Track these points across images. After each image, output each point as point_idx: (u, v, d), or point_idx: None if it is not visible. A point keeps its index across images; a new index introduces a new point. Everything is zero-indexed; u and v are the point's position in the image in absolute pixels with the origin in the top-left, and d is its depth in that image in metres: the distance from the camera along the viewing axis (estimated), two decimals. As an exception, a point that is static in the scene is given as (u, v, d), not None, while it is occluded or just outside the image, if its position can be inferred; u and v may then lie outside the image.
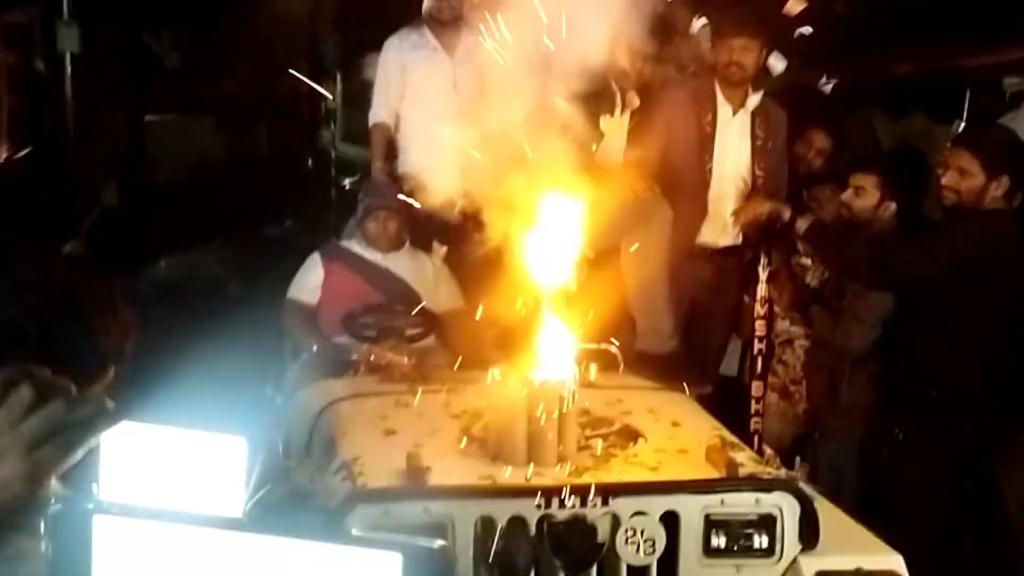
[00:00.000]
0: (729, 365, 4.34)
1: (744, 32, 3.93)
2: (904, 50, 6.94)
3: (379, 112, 4.67)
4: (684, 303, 3.98)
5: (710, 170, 3.99)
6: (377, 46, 4.77)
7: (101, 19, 8.14)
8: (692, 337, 4.01)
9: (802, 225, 3.79)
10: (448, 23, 4.55)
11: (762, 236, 3.98)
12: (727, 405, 3.71)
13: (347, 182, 7.58)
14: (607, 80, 3.95)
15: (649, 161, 4.00)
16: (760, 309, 3.63)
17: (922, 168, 4.88)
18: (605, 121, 3.96)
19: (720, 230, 4.08)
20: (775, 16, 5.04)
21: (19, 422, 1.03)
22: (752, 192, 4.01)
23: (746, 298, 3.95)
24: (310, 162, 9.36)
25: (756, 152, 4.04)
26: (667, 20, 4.18)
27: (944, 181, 3.52)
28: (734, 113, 4.04)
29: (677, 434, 2.78)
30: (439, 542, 0.84)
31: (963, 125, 6.72)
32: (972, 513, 3.57)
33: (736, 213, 3.94)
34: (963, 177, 3.43)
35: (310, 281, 4.11)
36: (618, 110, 4.00)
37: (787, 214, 3.87)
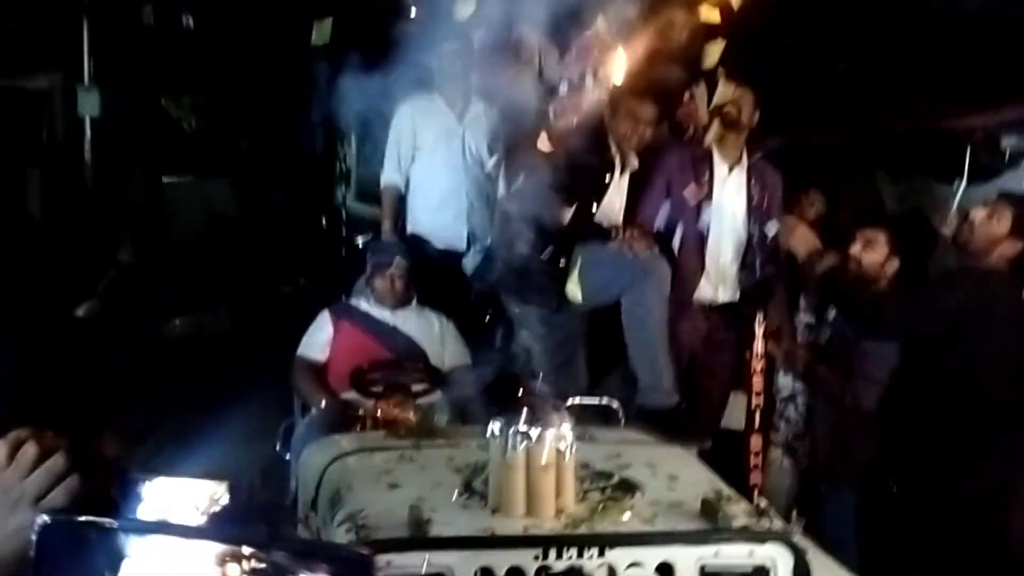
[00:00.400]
0: (737, 419, 4.39)
1: (736, 82, 4.07)
2: (903, 110, 7.08)
3: (390, 174, 4.81)
4: (684, 358, 4.05)
5: (708, 227, 4.09)
6: (390, 108, 4.92)
7: (121, 84, 8.37)
8: (692, 392, 4.08)
9: (823, 264, 3.85)
10: (458, 90, 4.70)
11: (759, 292, 4.07)
12: (730, 459, 3.76)
13: (359, 240, 7.72)
14: (608, 142, 4.08)
15: (648, 219, 4.11)
16: (757, 364, 3.70)
17: (925, 227, 4.98)
18: (606, 182, 4.08)
19: (719, 286, 4.17)
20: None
21: (26, 476, 1.15)
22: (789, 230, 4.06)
23: (747, 353, 4.02)
24: (323, 221, 9.53)
25: (752, 209, 4.15)
26: (665, 84, 4.32)
27: (977, 231, 3.57)
28: (730, 171, 4.15)
29: (675, 487, 2.83)
30: None
31: (963, 185, 6.83)
32: (975, 564, 3.60)
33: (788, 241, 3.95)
34: (991, 227, 3.52)
35: (319, 338, 4.21)
36: (618, 171, 4.12)
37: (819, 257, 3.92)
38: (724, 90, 4.06)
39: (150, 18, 8.02)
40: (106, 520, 1.02)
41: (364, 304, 4.30)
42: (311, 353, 4.19)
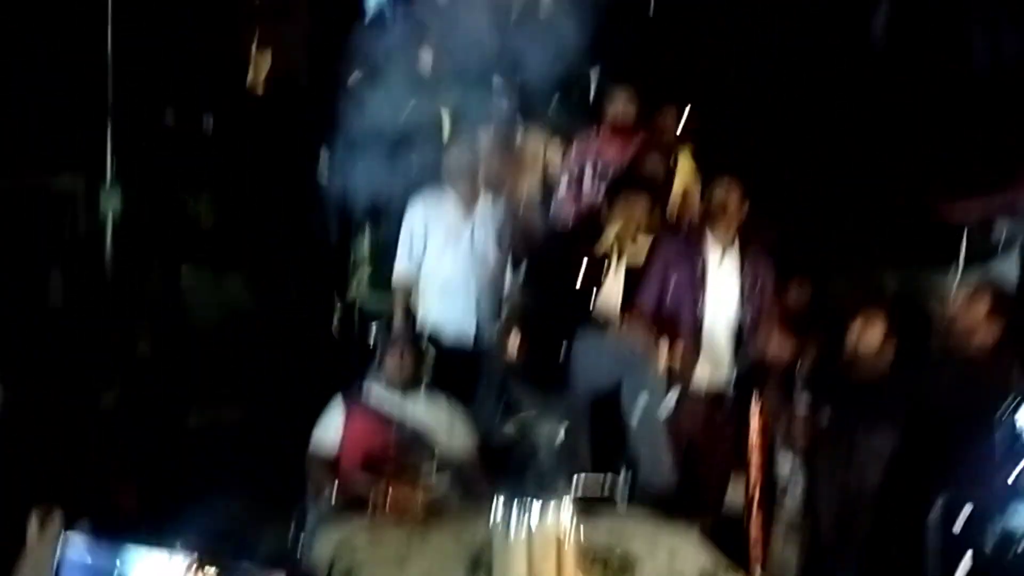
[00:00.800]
0: (740, 499, 4.46)
1: (725, 177, 4.27)
2: (900, 198, 7.27)
3: (402, 266, 5.02)
4: (684, 440, 4.17)
5: (702, 312, 4.25)
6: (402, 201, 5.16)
7: (141, 183, 8.66)
8: (693, 472, 4.18)
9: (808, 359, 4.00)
10: (468, 186, 4.95)
11: (756, 375, 4.20)
12: (735, 538, 3.85)
13: (373, 328, 7.87)
14: (603, 234, 4.28)
15: (644, 307, 4.28)
16: (756, 445, 3.81)
17: (922, 312, 5.11)
18: (603, 272, 4.26)
19: (715, 370, 4.31)
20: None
21: (53, 544, 1.31)
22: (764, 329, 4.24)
23: (745, 434, 4.13)
24: (337, 309, 9.71)
25: (744, 298, 4.31)
26: (658, 177, 4.55)
27: (959, 315, 3.71)
28: (722, 256, 4.33)
29: (674, 562, 2.94)
30: None
31: (960, 270, 6.98)
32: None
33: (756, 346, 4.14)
34: (971, 311, 3.65)
35: (331, 424, 4.34)
36: (615, 261, 4.31)
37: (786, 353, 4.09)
38: (715, 186, 4.27)
39: (171, 120, 8.34)
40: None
41: (376, 388, 4.45)
42: (324, 438, 4.33)
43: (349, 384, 5.01)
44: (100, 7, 8.80)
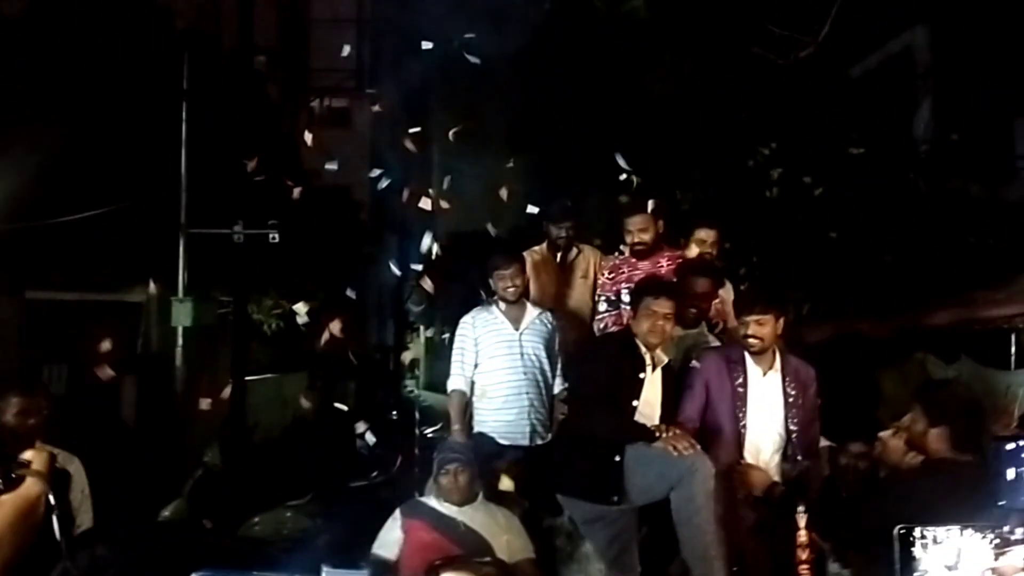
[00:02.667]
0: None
1: (758, 307, 4.40)
2: (945, 300, 7.35)
3: (456, 380, 5.22)
4: (734, 553, 4.23)
5: (744, 427, 4.36)
6: (456, 301, 5.40)
7: (211, 294, 9.06)
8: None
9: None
10: (514, 301, 5.17)
11: (799, 484, 4.28)
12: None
13: (429, 431, 8.04)
14: (635, 343, 4.46)
15: (688, 420, 4.40)
16: (803, 555, 3.86)
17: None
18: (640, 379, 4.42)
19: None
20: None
21: None
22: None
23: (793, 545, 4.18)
24: (394, 413, 9.92)
25: (788, 408, 4.41)
26: (696, 287, 4.73)
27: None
28: (764, 374, 4.44)
29: None
30: None
31: (1013, 369, 7.00)
32: None
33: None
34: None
35: (391, 537, 4.48)
36: (649, 369, 4.47)
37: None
38: (746, 318, 4.40)
39: (241, 235, 8.73)
40: None
41: (433, 501, 4.59)
42: (383, 552, 4.47)
43: (410, 492, 5.17)
44: (174, 128, 9.36)
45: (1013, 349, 7.00)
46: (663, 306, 4.40)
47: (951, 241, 8.55)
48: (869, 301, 7.96)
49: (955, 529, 2.65)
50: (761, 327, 4.32)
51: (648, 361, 4.43)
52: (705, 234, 5.30)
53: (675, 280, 4.84)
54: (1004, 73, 9.44)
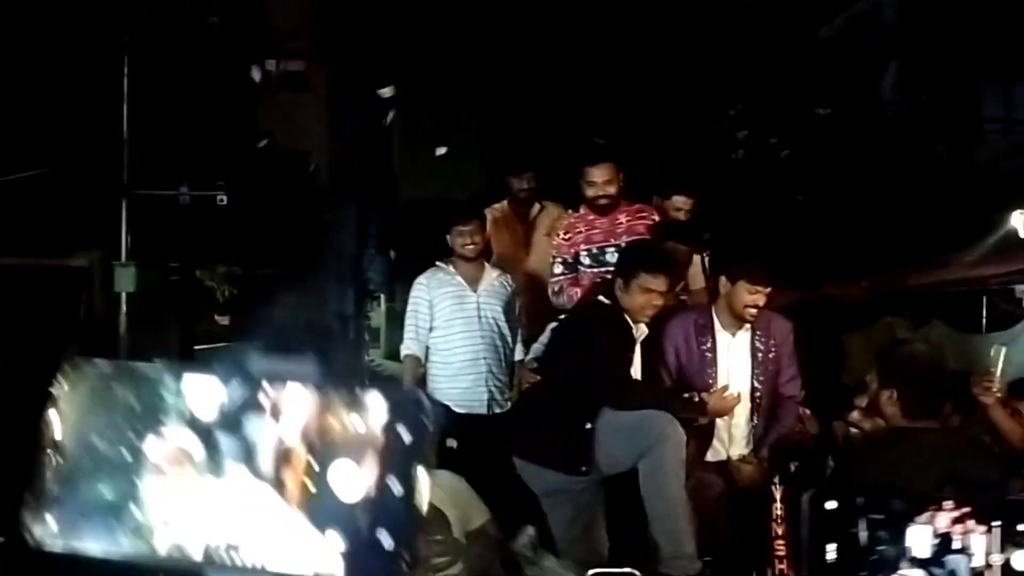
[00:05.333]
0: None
1: (767, 281, 4.18)
2: (915, 263, 7.21)
3: (410, 344, 4.94)
4: (705, 521, 4.03)
5: (735, 393, 4.16)
6: (416, 271, 5.10)
7: (156, 259, 8.69)
8: (717, 555, 4.03)
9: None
10: (472, 260, 4.89)
11: (776, 454, 4.09)
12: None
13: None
14: (624, 316, 4.19)
15: (659, 385, 4.18)
16: (777, 528, 3.67)
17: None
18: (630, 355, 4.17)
19: (730, 445, 4.21)
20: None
21: None
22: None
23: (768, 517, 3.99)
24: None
25: (755, 364, 4.22)
26: (672, 255, 4.47)
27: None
28: (733, 335, 4.24)
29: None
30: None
31: (984, 332, 6.87)
32: None
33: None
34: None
35: None
36: (637, 341, 4.22)
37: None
38: (744, 286, 4.18)
39: (187, 197, 8.39)
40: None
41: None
42: None
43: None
44: (115, 84, 8.94)
45: (984, 312, 6.86)
46: (660, 284, 4.13)
47: (920, 203, 8.43)
48: (838, 265, 7.81)
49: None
50: (760, 298, 4.12)
51: (635, 333, 4.18)
52: (682, 201, 5.05)
53: (652, 243, 4.57)
54: (971, 35, 9.29)
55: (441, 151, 5.39)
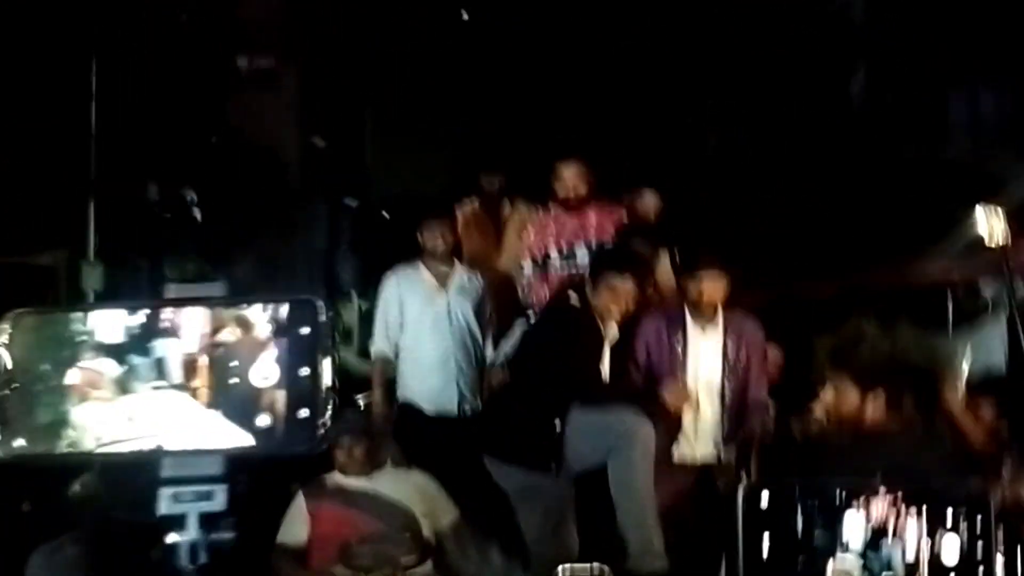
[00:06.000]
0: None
1: (711, 266, 4.21)
2: (885, 261, 7.27)
3: (380, 343, 4.93)
4: (672, 520, 4.06)
5: (689, 387, 4.18)
6: (388, 269, 5.07)
7: (124, 258, 8.61)
8: (683, 553, 4.06)
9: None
10: (442, 259, 4.88)
11: (741, 452, 4.12)
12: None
13: (360, 399, 7.76)
14: (592, 316, 4.20)
15: (628, 384, 4.20)
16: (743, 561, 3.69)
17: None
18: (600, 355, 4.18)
19: (697, 446, 4.23)
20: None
21: None
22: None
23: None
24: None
25: (726, 367, 4.25)
26: (639, 255, 4.49)
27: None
28: (703, 331, 4.27)
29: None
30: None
31: (951, 331, 6.94)
32: None
33: None
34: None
35: (295, 521, 4.12)
36: (606, 341, 4.24)
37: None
38: (700, 276, 4.20)
39: (155, 194, 8.33)
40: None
41: (338, 476, 4.21)
42: (289, 539, 4.10)
43: (309, 476, 4.73)
44: (83, 80, 8.84)
45: (950, 309, 6.93)
46: (627, 284, 4.14)
47: (887, 202, 8.51)
48: (806, 263, 7.87)
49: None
50: (714, 290, 4.15)
51: (604, 336, 4.19)
52: (650, 199, 5.06)
53: (620, 243, 4.58)
54: (938, 34, 9.39)
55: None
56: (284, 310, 1.00)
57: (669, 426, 4.13)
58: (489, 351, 4.97)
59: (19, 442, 0.99)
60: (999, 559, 1.57)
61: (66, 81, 8.70)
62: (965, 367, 4.04)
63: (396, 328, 4.90)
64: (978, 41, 9.19)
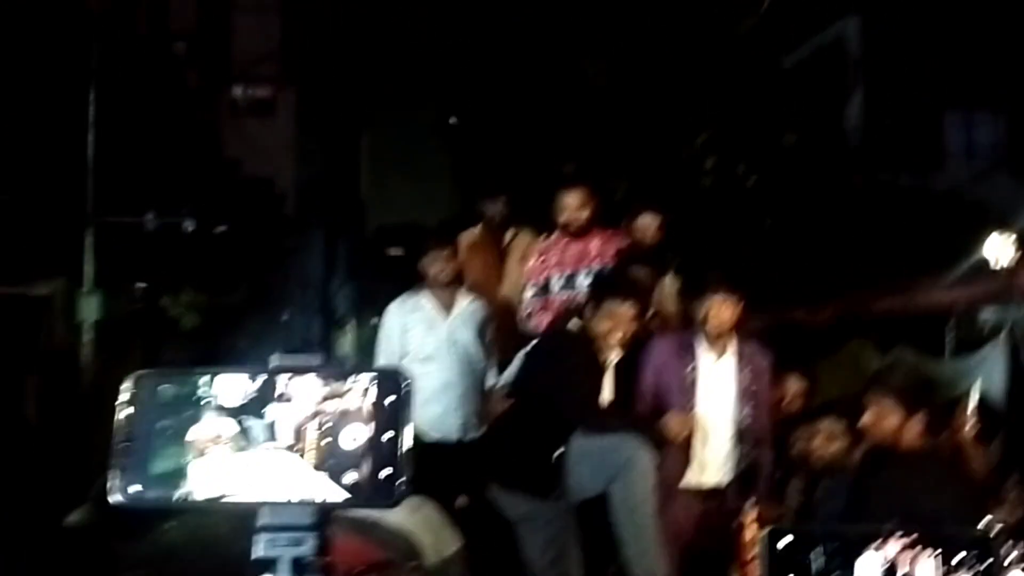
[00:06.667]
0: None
1: (720, 289, 4.19)
2: (884, 288, 7.30)
3: (380, 371, 4.88)
4: (679, 546, 4.02)
5: (693, 416, 4.15)
6: (386, 297, 5.06)
7: (120, 287, 8.61)
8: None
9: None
10: (445, 286, 4.86)
11: (748, 478, 4.08)
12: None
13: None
14: (592, 342, 4.18)
15: (636, 410, 4.17)
16: (749, 552, 3.66)
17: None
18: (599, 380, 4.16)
19: (706, 472, 4.19)
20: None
21: None
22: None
23: (739, 540, 3.99)
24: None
25: (741, 396, 4.21)
26: (636, 280, 4.48)
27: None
28: (716, 360, 4.24)
29: None
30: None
31: (948, 357, 6.96)
32: None
33: None
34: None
35: None
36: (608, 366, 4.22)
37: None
38: (708, 299, 4.19)
39: (152, 223, 8.34)
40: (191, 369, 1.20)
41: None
42: None
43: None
44: (81, 111, 8.86)
45: (948, 337, 6.96)
46: (626, 309, 4.13)
47: (883, 229, 8.54)
48: (804, 289, 7.88)
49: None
50: (722, 311, 4.12)
51: (605, 359, 4.17)
52: (648, 222, 5.05)
53: (619, 269, 4.57)
54: (933, 63, 9.47)
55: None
56: (374, 380, 1.20)
57: (680, 453, 4.09)
58: (491, 378, 4.94)
59: (135, 488, 1.16)
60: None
61: (63, 112, 8.73)
62: (975, 395, 4.03)
63: (398, 356, 4.87)
64: (974, 70, 9.26)
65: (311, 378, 1.18)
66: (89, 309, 8.23)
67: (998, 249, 5.65)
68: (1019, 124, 10.12)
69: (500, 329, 4.99)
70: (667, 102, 9.19)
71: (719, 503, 4.09)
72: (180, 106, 10.24)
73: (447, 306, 4.88)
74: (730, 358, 4.22)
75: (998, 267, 5.80)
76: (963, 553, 1.39)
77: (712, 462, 4.17)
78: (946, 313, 6.95)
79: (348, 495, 1.16)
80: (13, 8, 8.69)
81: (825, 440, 4.00)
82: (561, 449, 4.02)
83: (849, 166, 9.41)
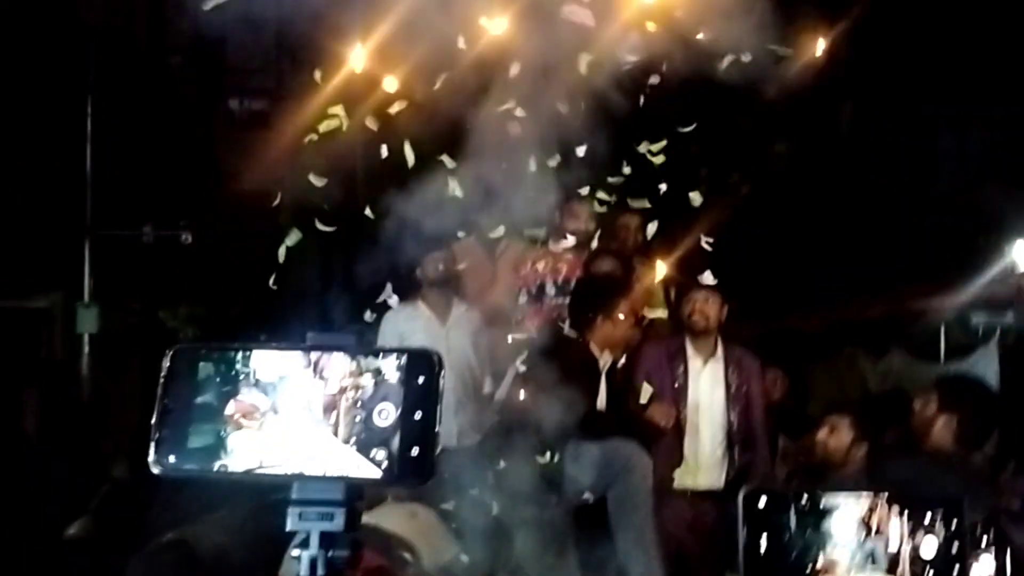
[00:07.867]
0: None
1: (703, 285, 4.25)
2: (878, 293, 7.35)
3: (379, 380, 4.93)
4: (673, 548, 4.06)
5: (684, 419, 4.20)
6: (382, 308, 5.11)
7: (119, 300, 8.65)
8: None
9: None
10: (441, 290, 4.91)
11: (740, 481, 4.13)
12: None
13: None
14: (588, 346, 4.23)
15: (628, 415, 4.22)
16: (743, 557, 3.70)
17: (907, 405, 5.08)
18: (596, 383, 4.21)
19: (698, 475, 4.24)
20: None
21: None
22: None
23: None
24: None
25: (730, 399, 4.26)
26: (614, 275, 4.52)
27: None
28: (704, 363, 4.29)
29: None
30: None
31: (942, 361, 7.01)
32: None
33: None
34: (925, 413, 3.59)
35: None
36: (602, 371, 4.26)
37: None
38: (692, 296, 4.25)
39: (150, 236, 8.39)
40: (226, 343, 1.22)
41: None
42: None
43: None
44: (78, 124, 8.92)
45: (943, 341, 7.01)
46: (620, 309, 4.19)
47: (877, 235, 8.60)
48: (798, 296, 7.93)
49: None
50: (706, 306, 4.18)
51: (600, 363, 4.23)
52: (627, 220, 5.11)
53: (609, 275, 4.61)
54: (926, 69, 9.53)
55: None
56: (406, 360, 1.22)
57: (669, 454, 4.15)
58: (488, 384, 4.99)
59: (173, 459, 1.20)
60: (986, 557, 1.74)
61: (61, 125, 8.79)
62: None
63: (394, 364, 4.91)
64: (966, 75, 9.33)
65: (344, 356, 1.20)
66: (88, 322, 8.27)
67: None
68: (1013, 131, 10.19)
69: (496, 336, 5.05)
70: (661, 112, 9.23)
71: (713, 505, 4.14)
72: (177, 119, 10.30)
73: (444, 313, 4.94)
74: (719, 361, 4.28)
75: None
76: (930, 513, 1.45)
77: (704, 464, 4.22)
78: (939, 317, 7.00)
79: (379, 472, 1.18)
80: (11, 22, 8.76)
81: (829, 432, 4.04)
82: (558, 454, 4.07)
83: (842, 173, 9.45)
